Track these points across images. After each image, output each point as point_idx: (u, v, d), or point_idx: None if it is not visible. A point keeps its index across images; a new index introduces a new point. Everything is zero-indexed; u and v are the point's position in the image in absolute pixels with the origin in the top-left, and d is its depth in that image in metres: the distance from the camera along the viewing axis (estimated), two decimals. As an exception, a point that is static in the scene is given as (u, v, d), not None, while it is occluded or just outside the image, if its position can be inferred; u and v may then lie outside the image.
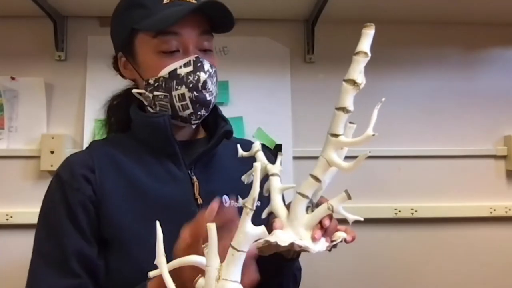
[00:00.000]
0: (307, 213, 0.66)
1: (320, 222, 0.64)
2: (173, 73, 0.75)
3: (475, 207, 1.58)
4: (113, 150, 0.80)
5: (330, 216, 0.64)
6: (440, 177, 1.59)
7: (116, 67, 0.86)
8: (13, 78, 1.50)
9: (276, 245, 0.60)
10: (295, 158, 1.54)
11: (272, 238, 0.60)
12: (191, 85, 0.75)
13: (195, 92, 0.75)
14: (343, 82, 0.61)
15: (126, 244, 0.73)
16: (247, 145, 0.74)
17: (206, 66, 0.76)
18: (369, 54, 0.60)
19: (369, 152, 0.57)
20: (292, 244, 0.61)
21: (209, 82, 0.76)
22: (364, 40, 0.60)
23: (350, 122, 0.65)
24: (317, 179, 0.64)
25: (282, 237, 0.61)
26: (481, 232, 1.59)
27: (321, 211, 0.64)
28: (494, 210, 1.57)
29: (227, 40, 1.53)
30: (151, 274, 0.47)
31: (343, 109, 0.60)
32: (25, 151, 1.49)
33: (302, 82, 1.59)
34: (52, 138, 1.47)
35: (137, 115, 0.82)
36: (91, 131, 1.49)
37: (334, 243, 0.67)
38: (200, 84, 0.75)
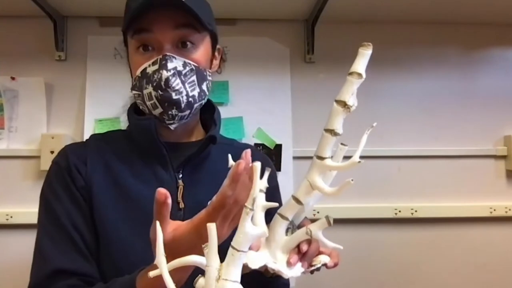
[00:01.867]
0: (286, 235, 0.64)
1: (298, 246, 0.63)
2: (143, 72, 0.76)
3: (475, 207, 1.58)
4: (107, 146, 0.82)
5: (309, 241, 0.63)
6: (440, 177, 1.59)
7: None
8: (13, 78, 1.50)
9: (247, 266, 0.58)
10: (295, 158, 1.54)
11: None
12: (155, 84, 0.74)
13: (159, 91, 0.74)
14: (334, 103, 0.57)
15: (106, 241, 0.74)
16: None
17: (171, 64, 0.73)
18: (364, 76, 0.56)
19: (352, 180, 0.54)
20: (264, 266, 0.59)
21: (173, 80, 0.73)
22: (359, 60, 0.56)
23: (342, 144, 0.62)
24: (298, 201, 0.62)
25: (254, 258, 0.60)
26: (481, 232, 1.59)
27: (299, 235, 0.62)
28: (494, 210, 1.57)
29: (227, 40, 1.53)
30: (151, 274, 0.46)
31: (331, 132, 0.57)
32: (25, 151, 1.48)
33: (302, 82, 1.58)
34: (52, 138, 1.47)
35: (129, 116, 0.83)
36: (91, 131, 1.49)
37: (313, 268, 0.65)
38: (162, 83, 0.73)
